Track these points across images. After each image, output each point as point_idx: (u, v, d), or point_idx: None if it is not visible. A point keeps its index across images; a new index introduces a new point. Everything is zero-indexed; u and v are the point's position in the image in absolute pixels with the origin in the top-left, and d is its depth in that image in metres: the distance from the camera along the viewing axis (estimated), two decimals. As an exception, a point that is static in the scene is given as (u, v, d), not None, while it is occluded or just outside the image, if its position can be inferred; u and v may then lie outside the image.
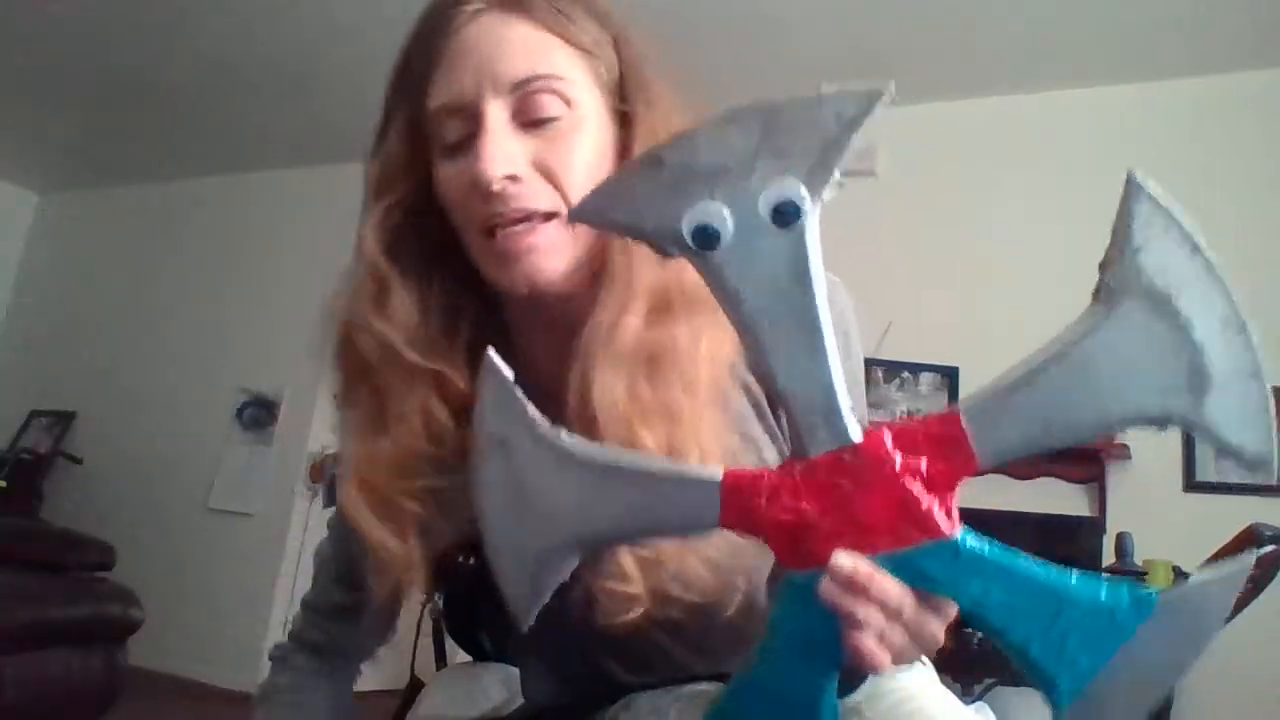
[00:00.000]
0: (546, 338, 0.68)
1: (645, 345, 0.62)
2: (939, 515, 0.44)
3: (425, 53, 0.64)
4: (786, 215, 0.44)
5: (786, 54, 3.30)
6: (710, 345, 0.63)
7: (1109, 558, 2.34)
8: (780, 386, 0.46)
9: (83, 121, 4.75)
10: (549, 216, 0.62)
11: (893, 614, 0.44)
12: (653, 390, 0.61)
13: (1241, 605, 1.76)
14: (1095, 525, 2.90)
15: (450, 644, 0.92)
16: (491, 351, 0.49)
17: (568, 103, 0.63)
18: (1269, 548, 1.67)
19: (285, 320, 4.72)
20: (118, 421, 4.91)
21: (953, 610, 0.46)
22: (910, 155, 3.29)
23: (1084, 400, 0.43)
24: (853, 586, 0.43)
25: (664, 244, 0.46)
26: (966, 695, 2.11)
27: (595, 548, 0.50)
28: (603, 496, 0.48)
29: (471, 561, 0.79)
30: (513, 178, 0.61)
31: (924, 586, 0.45)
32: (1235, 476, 2.90)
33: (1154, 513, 2.90)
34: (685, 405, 0.61)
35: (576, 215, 0.50)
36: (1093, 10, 3.04)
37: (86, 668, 2.46)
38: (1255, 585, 1.71)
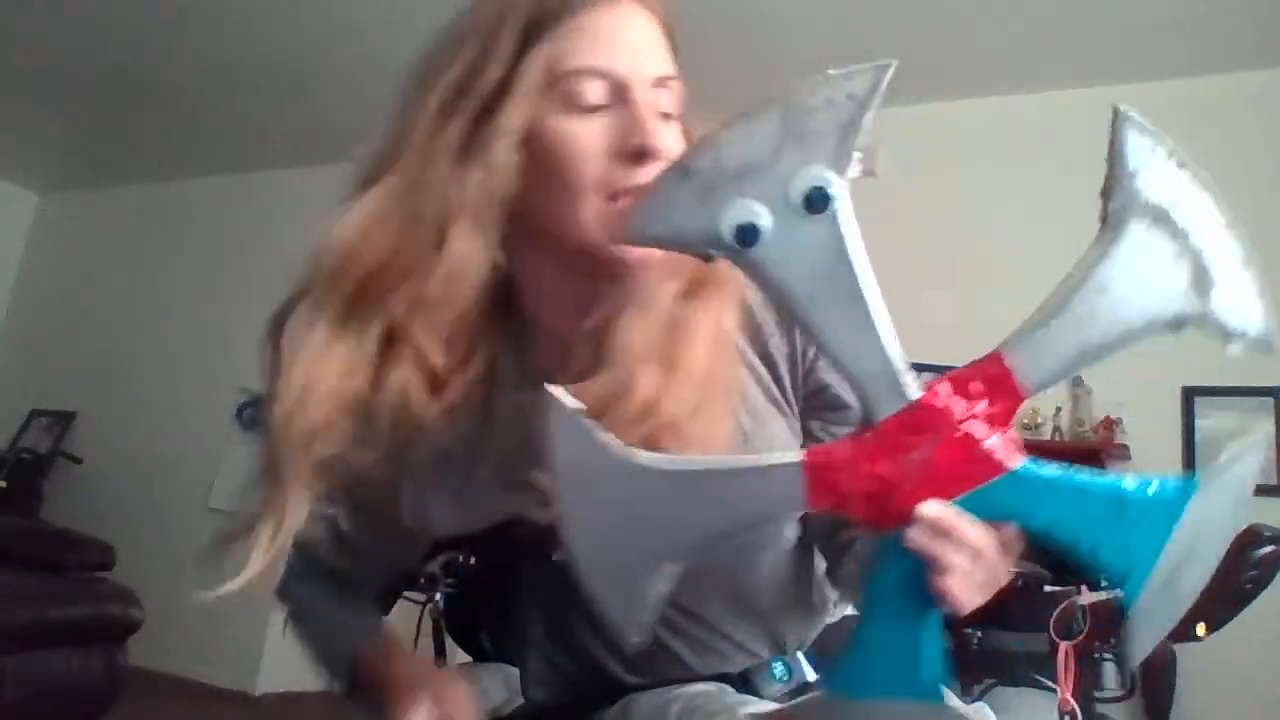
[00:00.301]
0: (575, 292, 0.69)
1: (673, 313, 0.64)
2: (1002, 450, 0.48)
3: (560, 14, 0.64)
4: (818, 201, 0.46)
5: (786, 54, 3.29)
6: (727, 324, 0.66)
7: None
8: (842, 362, 0.48)
9: (83, 121, 4.75)
10: None
11: (975, 555, 0.48)
12: (667, 346, 0.63)
13: (1242, 605, 1.76)
14: (1095, 525, 2.91)
15: (450, 644, 0.92)
16: (553, 387, 0.49)
17: (677, 98, 0.68)
18: (1269, 548, 1.67)
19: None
20: (118, 421, 4.91)
21: (1019, 545, 0.50)
22: (910, 155, 3.29)
23: (1107, 318, 0.47)
24: (938, 533, 0.47)
25: (706, 249, 0.48)
26: (966, 695, 2.11)
27: (692, 553, 0.51)
28: (689, 502, 0.49)
29: (472, 561, 0.79)
30: (663, 155, 0.63)
31: (999, 518, 0.49)
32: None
33: (1154, 513, 2.90)
34: (694, 363, 0.63)
35: (628, 237, 0.51)
36: (1093, 10, 3.04)
37: (86, 668, 2.46)
38: (1255, 585, 1.71)
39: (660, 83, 0.66)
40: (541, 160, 0.65)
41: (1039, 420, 3.08)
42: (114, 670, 2.54)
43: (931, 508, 0.47)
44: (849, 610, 0.93)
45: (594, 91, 0.64)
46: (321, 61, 3.89)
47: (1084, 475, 0.49)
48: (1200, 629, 1.75)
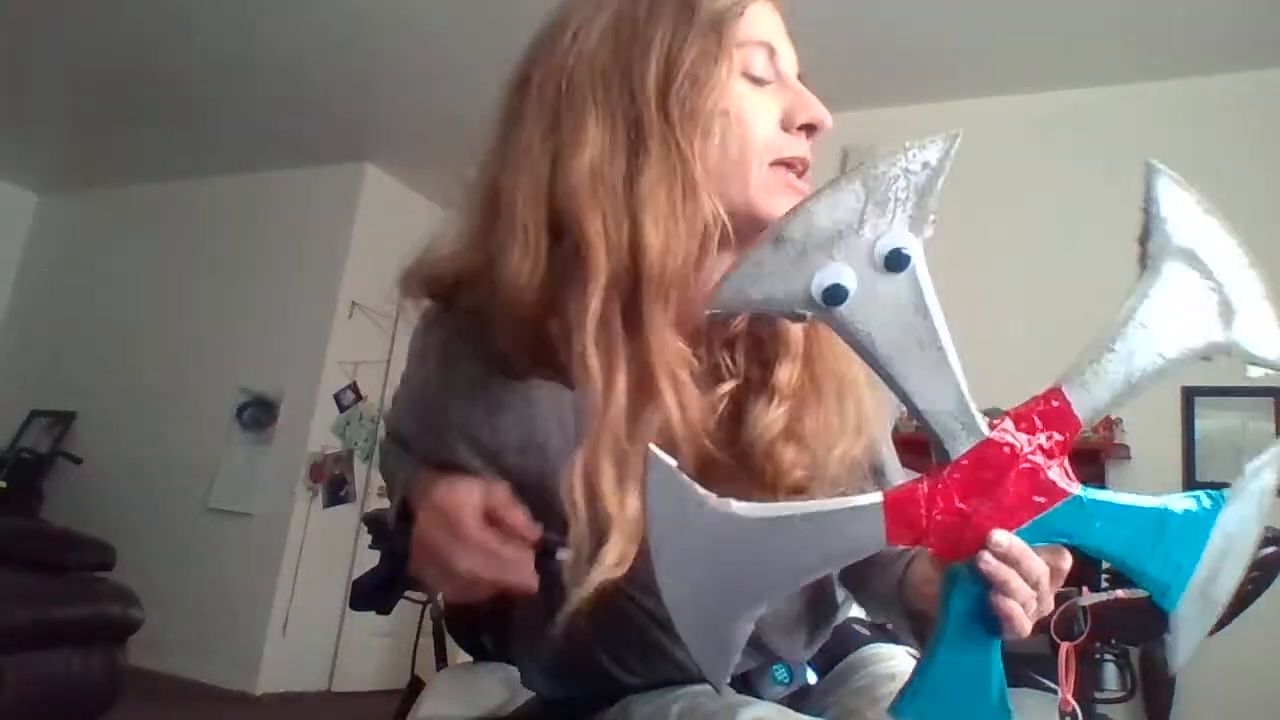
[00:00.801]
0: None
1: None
2: (1062, 479, 0.53)
3: (732, 7, 0.69)
4: (898, 262, 0.51)
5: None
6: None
7: (1109, 558, 2.34)
8: (920, 407, 0.53)
9: (83, 121, 4.75)
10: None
11: (1036, 583, 0.53)
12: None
13: (1242, 605, 1.76)
14: (1095, 525, 2.91)
15: (450, 644, 0.92)
16: (653, 447, 0.52)
17: None
18: (1269, 549, 1.67)
19: (285, 320, 4.73)
20: (118, 421, 4.91)
21: (1067, 566, 0.56)
22: (910, 155, 3.29)
23: (1150, 352, 0.52)
24: (1008, 560, 0.52)
25: (797, 310, 0.52)
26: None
27: (780, 594, 0.55)
28: (778, 548, 0.53)
29: None
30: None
31: (1059, 541, 0.54)
32: (1232, 477, 2.91)
33: (1154, 513, 2.90)
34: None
35: (721, 305, 0.53)
36: (1093, 10, 3.04)
37: (86, 668, 2.45)
38: (1255, 585, 1.70)
39: (800, 78, 0.73)
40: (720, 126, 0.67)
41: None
42: (114, 670, 2.53)
43: (1004, 536, 0.52)
44: (854, 610, 0.94)
45: (757, 62, 0.70)
46: (323, 62, 3.90)
47: (1131, 497, 0.54)
48: (1200, 629, 1.75)
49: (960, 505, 0.52)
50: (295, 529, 4.35)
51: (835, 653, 0.85)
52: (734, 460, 0.68)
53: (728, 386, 0.71)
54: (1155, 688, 2.59)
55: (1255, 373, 0.54)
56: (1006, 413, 0.53)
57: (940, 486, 0.53)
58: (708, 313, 0.53)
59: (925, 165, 0.50)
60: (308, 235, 4.83)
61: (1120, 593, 1.95)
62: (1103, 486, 0.55)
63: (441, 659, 0.90)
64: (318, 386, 4.54)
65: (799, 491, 0.69)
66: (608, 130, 0.66)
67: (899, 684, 0.75)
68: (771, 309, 0.53)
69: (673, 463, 0.52)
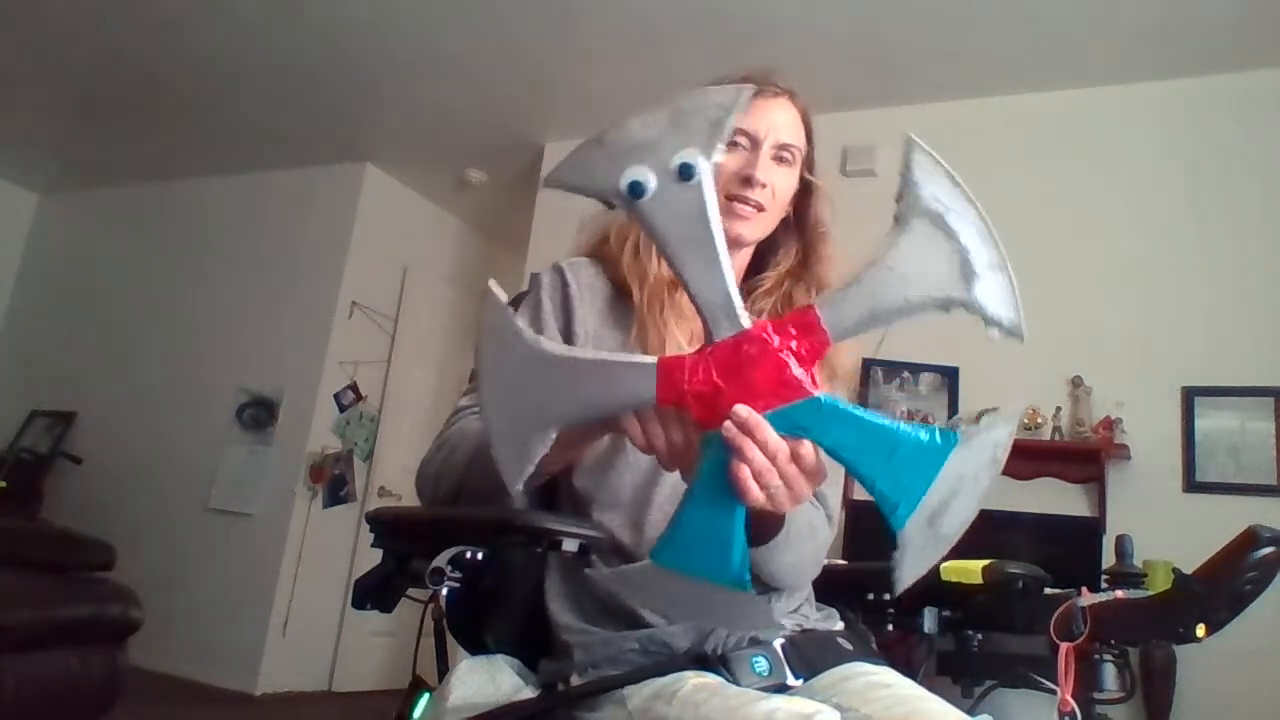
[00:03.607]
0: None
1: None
2: (806, 381, 0.61)
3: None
4: (687, 173, 0.62)
5: (786, 54, 3.30)
6: None
7: (1109, 558, 2.34)
8: (693, 293, 0.63)
9: (83, 122, 4.75)
10: (760, 210, 1.01)
11: (770, 455, 0.61)
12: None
13: (1241, 606, 1.76)
14: (1095, 525, 2.91)
15: (451, 643, 0.92)
16: (492, 283, 0.66)
17: (794, 158, 1.05)
18: (1269, 549, 1.67)
19: (285, 320, 4.73)
20: (118, 421, 4.91)
21: (807, 455, 0.62)
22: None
23: (893, 292, 0.60)
24: (744, 429, 0.60)
25: (608, 197, 0.64)
26: (966, 697, 2.11)
27: (569, 425, 0.65)
28: (571, 383, 0.64)
29: (479, 556, 0.80)
30: (763, 185, 1.01)
31: (797, 433, 0.61)
32: (1232, 477, 2.91)
33: (1154, 513, 2.90)
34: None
35: (549, 183, 0.66)
36: (1093, 10, 3.04)
37: (86, 668, 2.45)
38: (1255, 586, 1.70)
39: (783, 147, 1.03)
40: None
41: (1039, 420, 3.07)
42: (114, 670, 2.53)
43: (743, 409, 0.60)
44: (838, 625, 1.00)
45: (741, 139, 1.02)
46: (322, 63, 3.90)
47: (871, 414, 0.61)
48: (1200, 630, 1.75)
49: (716, 380, 0.61)
50: (295, 529, 4.35)
51: (818, 663, 0.87)
52: None
53: None
54: (1155, 688, 2.59)
55: (993, 334, 0.59)
56: (766, 319, 0.63)
57: (702, 362, 0.62)
58: (543, 185, 0.68)
59: (719, 105, 0.62)
60: (308, 235, 4.83)
61: (1120, 593, 1.94)
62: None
63: (442, 659, 0.90)
64: (318, 386, 4.54)
65: None
66: None
67: (892, 691, 0.78)
68: (589, 193, 0.65)
69: (504, 298, 0.66)
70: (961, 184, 0.60)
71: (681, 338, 0.95)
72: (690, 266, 0.62)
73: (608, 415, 0.66)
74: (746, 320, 0.62)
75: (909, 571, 0.61)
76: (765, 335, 0.61)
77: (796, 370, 0.61)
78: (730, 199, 1.00)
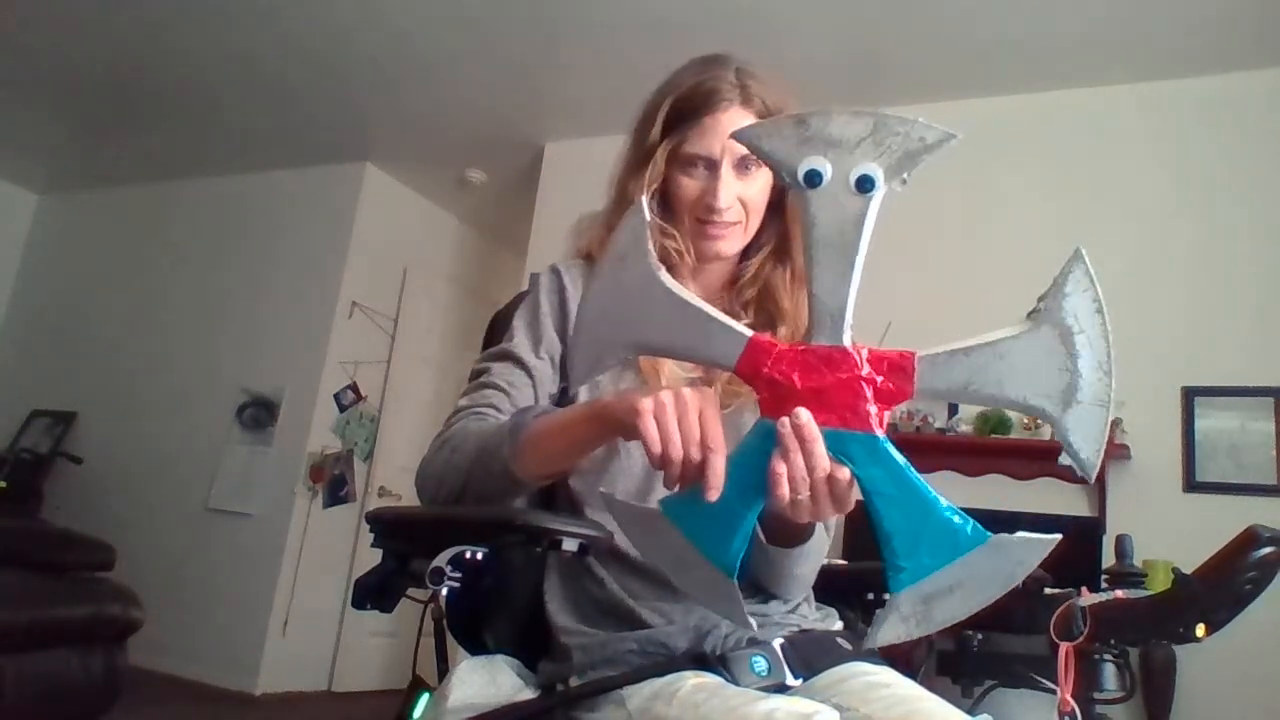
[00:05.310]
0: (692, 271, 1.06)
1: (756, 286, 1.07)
2: (874, 418, 0.62)
3: (690, 116, 1.00)
4: (864, 186, 0.62)
5: (786, 54, 3.30)
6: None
7: (1109, 558, 2.34)
8: (814, 290, 0.64)
9: (82, 122, 4.75)
10: (732, 225, 1.01)
11: (811, 467, 0.62)
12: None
13: (1242, 606, 1.76)
14: (1095, 525, 2.91)
15: (451, 643, 0.92)
16: (643, 198, 0.69)
17: (759, 166, 1.00)
18: (1269, 549, 1.67)
19: (285, 320, 4.73)
20: (118, 421, 4.91)
21: (845, 480, 0.62)
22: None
23: (994, 379, 0.61)
24: (799, 433, 0.61)
25: (783, 174, 0.65)
26: (966, 697, 2.11)
27: (648, 352, 0.70)
28: (668, 317, 0.67)
29: (479, 556, 0.81)
30: (729, 208, 0.99)
31: (841, 459, 0.62)
32: (1232, 477, 2.91)
33: (1154, 513, 2.90)
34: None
35: (739, 136, 0.67)
36: (1093, 10, 3.04)
37: (86, 668, 2.46)
38: (1255, 586, 1.70)
39: (742, 161, 0.99)
40: (669, 195, 1.04)
41: (1039, 421, 3.07)
42: (114, 670, 2.53)
43: (805, 414, 0.62)
44: (837, 625, 1.00)
45: (695, 163, 1.00)
46: (320, 64, 3.90)
47: (918, 475, 0.61)
48: (1200, 629, 1.75)
49: (795, 376, 0.63)
50: (295, 529, 4.35)
51: (817, 663, 0.87)
52: None
53: None
54: (1155, 688, 2.59)
55: (1063, 459, 0.60)
56: (866, 346, 0.63)
57: (790, 354, 0.63)
58: (730, 137, 0.71)
59: (922, 140, 0.61)
60: (308, 235, 4.83)
61: (1120, 593, 1.95)
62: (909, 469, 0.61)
63: (442, 659, 0.90)
64: (318, 386, 4.54)
65: None
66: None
67: (891, 691, 0.78)
68: (769, 163, 0.65)
69: (649, 217, 0.68)
70: (1104, 313, 0.60)
71: None
72: (823, 268, 0.63)
73: (686, 359, 0.69)
74: (848, 339, 0.63)
75: (887, 636, 0.62)
76: (857, 358, 0.62)
77: (870, 403, 0.61)
78: (700, 223, 1.01)
